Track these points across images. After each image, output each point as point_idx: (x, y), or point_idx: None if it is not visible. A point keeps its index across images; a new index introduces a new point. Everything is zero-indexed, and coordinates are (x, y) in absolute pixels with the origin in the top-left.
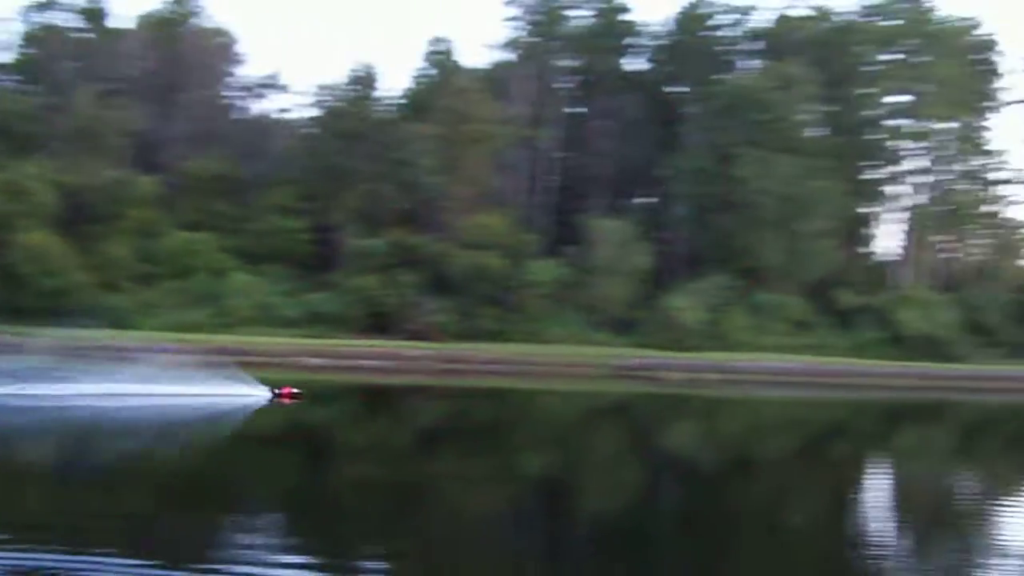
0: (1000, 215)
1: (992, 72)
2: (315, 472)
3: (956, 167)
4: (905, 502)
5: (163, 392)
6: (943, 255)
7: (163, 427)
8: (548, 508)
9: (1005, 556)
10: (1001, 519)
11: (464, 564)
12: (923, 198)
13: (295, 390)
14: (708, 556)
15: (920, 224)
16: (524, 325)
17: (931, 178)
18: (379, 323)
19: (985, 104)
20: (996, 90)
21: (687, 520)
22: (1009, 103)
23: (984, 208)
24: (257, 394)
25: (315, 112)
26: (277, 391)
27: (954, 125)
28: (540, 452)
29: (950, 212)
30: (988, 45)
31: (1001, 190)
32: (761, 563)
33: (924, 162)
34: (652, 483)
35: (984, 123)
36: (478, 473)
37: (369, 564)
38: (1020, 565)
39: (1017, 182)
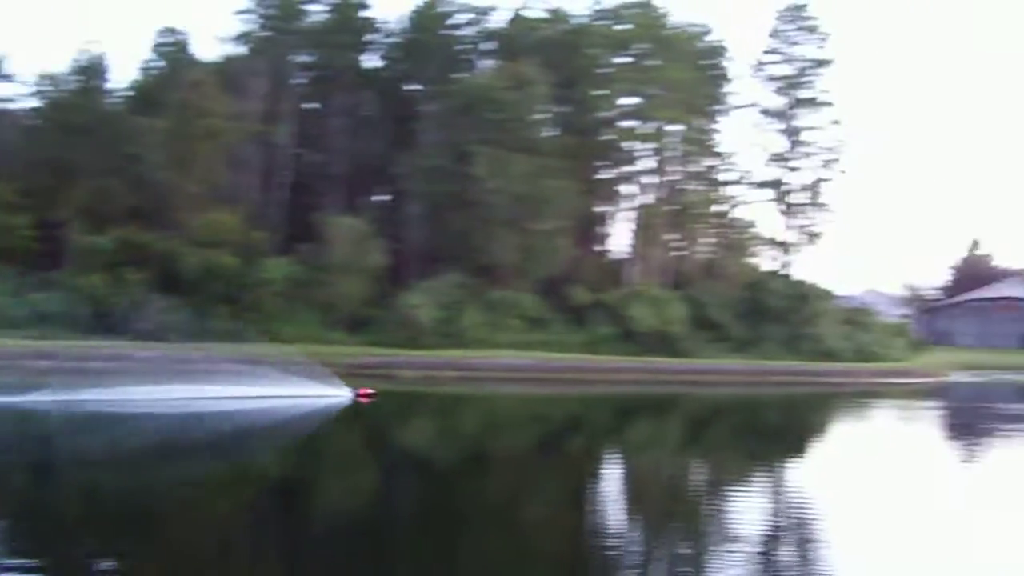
0: (728, 215)
1: (722, 77)
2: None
3: (685, 168)
4: (638, 493)
5: (255, 394)
6: (673, 253)
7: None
8: (280, 510)
9: (734, 542)
10: (729, 506)
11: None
12: (654, 198)
13: (370, 391)
14: (444, 552)
15: (651, 223)
16: (258, 324)
17: (661, 178)
18: (107, 323)
19: (715, 108)
20: (725, 94)
21: (424, 517)
22: (738, 107)
23: (713, 208)
24: (340, 394)
25: (38, 103)
26: (357, 391)
27: (684, 127)
28: (272, 456)
29: (680, 212)
30: (718, 51)
31: (729, 191)
32: (497, 558)
33: (655, 163)
34: (388, 481)
35: (714, 126)
36: (211, 479)
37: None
38: (747, 551)
39: (744, 183)
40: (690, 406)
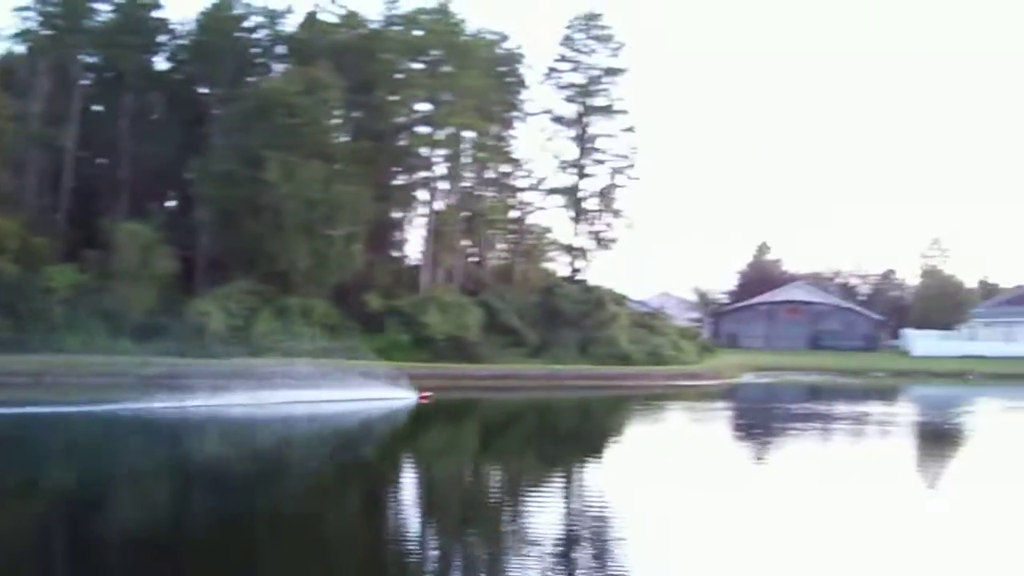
0: (523, 221)
1: (518, 84)
2: None
3: (480, 174)
4: (434, 500)
5: (334, 397)
6: (468, 259)
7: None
8: (87, 524)
9: (530, 545)
10: (525, 510)
11: None
12: (448, 204)
13: (428, 393)
14: (244, 559)
15: (445, 229)
16: (42, 334)
17: (456, 184)
18: None
19: (510, 114)
20: (521, 101)
21: (226, 526)
22: (533, 114)
23: (507, 214)
24: (409, 396)
25: None
26: (420, 394)
27: (478, 134)
28: (71, 466)
29: (474, 218)
30: (515, 58)
31: (524, 197)
32: (296, 567)
33: (449, 169)
34: (189, 493)
35: (509, 132)
36: None
37: None
38: (543, 553)
39: (539, 189)
40: (486, 411)
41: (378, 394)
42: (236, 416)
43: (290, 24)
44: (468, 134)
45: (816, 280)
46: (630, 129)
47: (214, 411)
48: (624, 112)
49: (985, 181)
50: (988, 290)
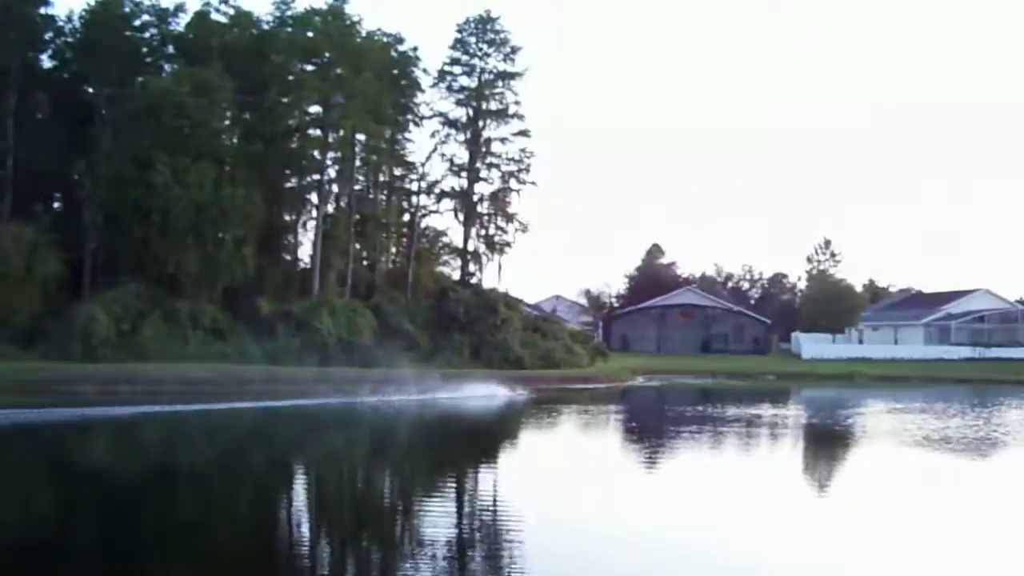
0: (416, 225)
1: (413, 86)
2: None
3: (373, 177)
4: (326, 506)
5: (464, 395)
6: (361, 263)
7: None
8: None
9: (419, 546)
10: (418, 514)
11: None
12: (341, 207)
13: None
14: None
15: (337, 233)
16: None
17: (349, 187)
18: None
19: (404, 117)
20: (416, 104)
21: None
22: (427, 117)
23: (400, 218)
24: (501, 393)
25: None
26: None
27: (371, 137)
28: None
29: (367, 221)
30: (410, 61)
31: (418, 201)
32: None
33: (342, 172)
34: (65, 502)
35: (403, 135)
36: None
37: None
38: (432, 555)
39: (433, 193)
40: (378, 415)
41: (489, 392)
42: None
43: (180, 23)
44: (361, 137)
45: (707, 284)
46: (524, 133)
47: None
48: (519, 116)
49: (872, 184)
50: (876, 293)
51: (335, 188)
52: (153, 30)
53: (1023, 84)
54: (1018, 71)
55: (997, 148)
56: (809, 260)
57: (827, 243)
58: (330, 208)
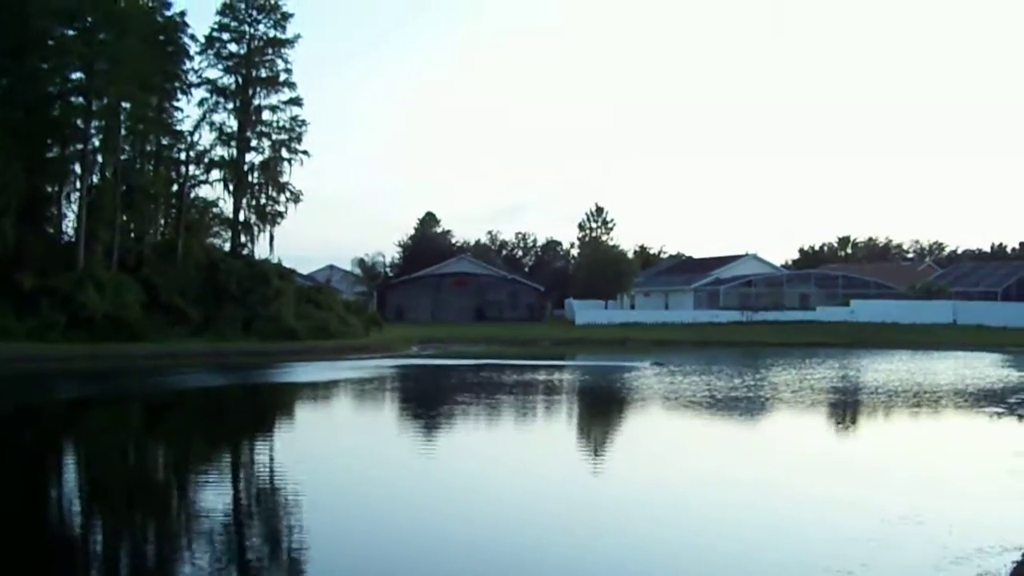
0: (186, 195)
1: (181, 53)
2: None
3: (140, 147)
4: (97, 488)
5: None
6: (128, 235)
7: None
8: None
9: (203, 529)
10: (196, 493)
11: None
12: (107, 177)
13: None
14: None
15: (103, 204)
16: None
17: (114, 157)
18: None
19: (172, 85)
20: (185, 71)
21: None
22: (196, 84)
23: (169, 188)
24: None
25: None
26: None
27: (137, 105)
28: None
29: (134, 192)
30: (177, 26)
31: (187, 170)
32: None
33: (108, 140)
34: None
35: (171, 103)
36: None
37: None
38: (219, 536)
39: (203, 162)
40: (149, 393)
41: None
42: None
43: None
44: (126, 105)
45: (481, 252)
46: (296, 101)
47: None
48: (290, 84)
49: (644, 150)
50: (647, 259)
51: (100, 158)
52: None
53: (798, 69)
54: (794, 56)
55: (764, 120)
56: (581, 227)
57: (599, 210)
58: (95, 178)
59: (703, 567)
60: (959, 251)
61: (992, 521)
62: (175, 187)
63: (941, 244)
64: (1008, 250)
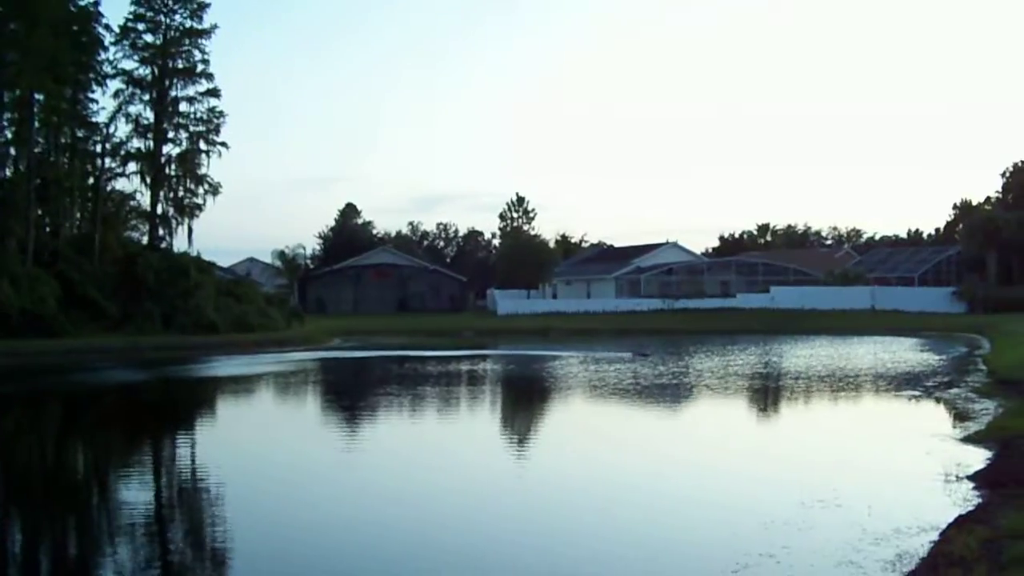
0: (102, 188)
1: (95, 43)
2: None
3: (54, 139)
4: (16, 487)
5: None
6: (43, 229)
7: None
8: None
9: (125, 528)
10: (117, 493)
11: None
12: (20, 170)
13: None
14: None
15: (16, 197)
16: None
17: (27, 150)
18: None
19: (87, 76)
20: (99, 62)
21: None
22: (111, 76)
23: (85, 181)
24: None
25: None
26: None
27: (50, 96)
28: None
29: (48, 185)
30: (91, 16)
31: (103, 163)
32: None
33: (20, 133)
34: None
35: (86, 95)
36: None
37: None
38: (140, 535)
39: (119, 155)
40: (67, 390)
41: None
42: None
43: None
44: (39, 96)
45: (403, 243)
46: (214, 92)
47: None
48: (208, 75)
49: (567, 139)
50: (569, 248)
51: (12, 151)
52: None
53: (718, 59)
54: (713, 43)
55: (684, 109)
56: (503, 217)
57: (520, 200)
58: (8, 172)
59: (626, 553)
60: (876, 237)
61: (910, 502)
62: (91, 180)
63: (859, 231)
64: (924, 236)
